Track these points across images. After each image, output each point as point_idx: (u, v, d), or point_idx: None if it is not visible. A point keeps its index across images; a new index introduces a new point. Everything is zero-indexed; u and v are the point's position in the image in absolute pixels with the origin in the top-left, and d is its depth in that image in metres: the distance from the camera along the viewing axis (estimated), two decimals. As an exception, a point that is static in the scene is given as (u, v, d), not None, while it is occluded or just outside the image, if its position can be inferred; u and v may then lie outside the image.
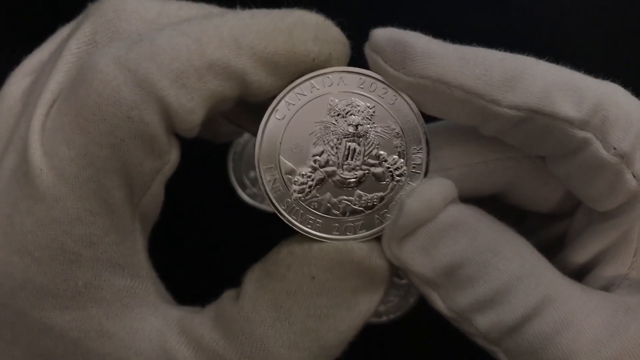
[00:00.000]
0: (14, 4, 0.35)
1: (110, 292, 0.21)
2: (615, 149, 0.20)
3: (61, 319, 0.20)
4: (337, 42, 0.21)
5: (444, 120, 0.23)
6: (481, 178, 0.23)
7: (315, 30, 0.21)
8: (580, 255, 0.22)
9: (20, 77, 0.23)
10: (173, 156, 0.21)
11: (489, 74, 0.20)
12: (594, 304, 0.20)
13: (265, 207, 0.35)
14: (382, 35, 0.21)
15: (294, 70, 0.21)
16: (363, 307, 0.21)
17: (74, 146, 0.19)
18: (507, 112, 0.20)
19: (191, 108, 0.20)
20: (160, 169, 0.21)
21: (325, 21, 0.21)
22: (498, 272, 0.20)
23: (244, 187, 0.36)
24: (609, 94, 0.20)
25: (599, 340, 0.19)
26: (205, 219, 0.36)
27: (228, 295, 0.22)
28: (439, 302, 0.21)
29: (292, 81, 0.21)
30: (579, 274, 0.23)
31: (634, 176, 0.20)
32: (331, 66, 0.21)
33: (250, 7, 0.21)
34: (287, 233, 0.22)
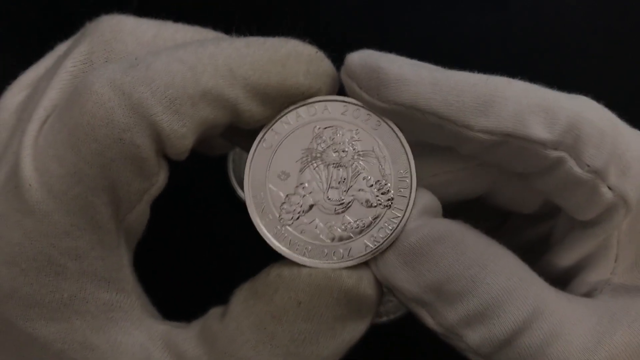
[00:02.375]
0: (15, 16, 0.35)
1: (95, 306, 0.21)
2: (588, 166, 0.20)
3: (46, 330, 0.21)
4: (327, 75, 0.21)
5: None
6: (465, 183, 0.23)
7: (307, 63, 0.21)
8: (564, 259, 0.23)
9: (17, 91, 0.23)
10: (161, 178, 0.21)
11: (461, 100, 0.20)
12: (580, 312, 0.20)
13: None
14: (357, 60, 0.21)
15: (284, 100, 0.21)
16: (348, 334, 0.21)
17: (64, 164, 0.20)
18: (481, 136, 0.20)
19: (183, 134, 0.20)
20: (147, 190, 0.21)
21: (318, 53, 0.21)
22: (487, 287, 0.20)
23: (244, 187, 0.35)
24: (581, 112, 0.20)
25: (587, 348, 0.20)
26: (205, 220, 0.36)
27: (215, 312, 0.22)
28: (428, 318, 0.21)
29: (282, 110, 0.21)
30: (564, 278, 0.23)
31: (610, 188, 0.20)
32: None
33: (245, 32, 0.22)
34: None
